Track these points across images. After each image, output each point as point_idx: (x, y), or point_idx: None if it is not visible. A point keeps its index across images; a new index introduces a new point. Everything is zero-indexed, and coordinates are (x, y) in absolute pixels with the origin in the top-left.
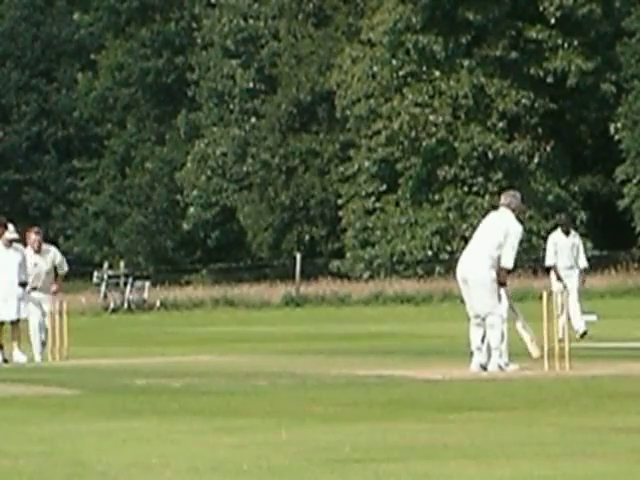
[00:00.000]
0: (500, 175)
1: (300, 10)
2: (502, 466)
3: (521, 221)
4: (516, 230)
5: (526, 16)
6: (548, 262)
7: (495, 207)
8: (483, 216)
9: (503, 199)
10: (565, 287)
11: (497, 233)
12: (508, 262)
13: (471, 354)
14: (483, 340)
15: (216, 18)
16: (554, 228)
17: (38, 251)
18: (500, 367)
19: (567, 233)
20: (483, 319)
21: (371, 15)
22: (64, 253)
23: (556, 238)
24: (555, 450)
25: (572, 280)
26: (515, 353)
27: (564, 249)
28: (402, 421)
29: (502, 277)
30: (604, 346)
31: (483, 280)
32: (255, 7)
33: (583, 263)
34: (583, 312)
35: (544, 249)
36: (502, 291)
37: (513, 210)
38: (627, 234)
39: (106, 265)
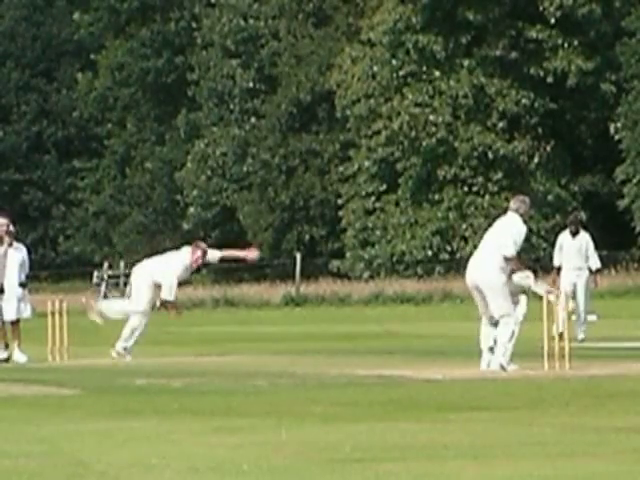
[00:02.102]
0: (500, 175)
1: (300, 10)
2: (502, 466)
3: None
4: (520, 228)
5: (526, 16)
6: (554, 263)
7: (505, 210)
8: (486, 217)
9: (512, 204)
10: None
11: (500, 235)
12: (507, 250)
13: (479, 353)
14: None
15: (216, 18)
16: (564, 227)
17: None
18: (502, 366)
19: (575, 234)
20: (496, 322)
21: (371, 15)
22: (64, 253)
23: (562, 239)
24: (555, 450)
25: (581, 280)
26: (516, 353)
27: (570, 250)
28: (402, 421)
29: (515, 265)
30: (604, 346)
31: (495, 285)
32: (255, 7)
33: (594, 264)
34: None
35: (544, 249)
36: (523, 298)
37: (521, 215)
38: (627, 234)
39: (106, 265)
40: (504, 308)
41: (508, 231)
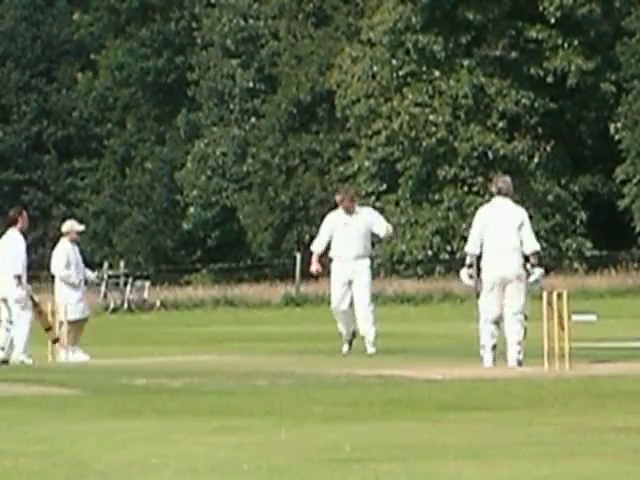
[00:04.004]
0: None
1: (300, 10)
2: (502, 466)
3: None
4: (526, 215)
5: (526, 16)
6: None
7: (498, 192)
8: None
9: (505, 187)
10: None
11: (517, 228)
12: (536, 245)
13: (479, 353)
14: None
15: (216, 18)
16: None
17: (350, 212)
18: (519, 363)
19: None
20: (497, 322)
21: (371, 15)
22: None
23: None
24: (555, 450)
25: None
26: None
27: None
28: (402, 421)
29: (538, 259)
30: (604, 346)
31: (520, 278)
32: (255, 7)
33: None
34: None
35: (544, 249)
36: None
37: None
38: (627, 234)
39: (106, 265)
40: (523, 304)
41: (526, 225)
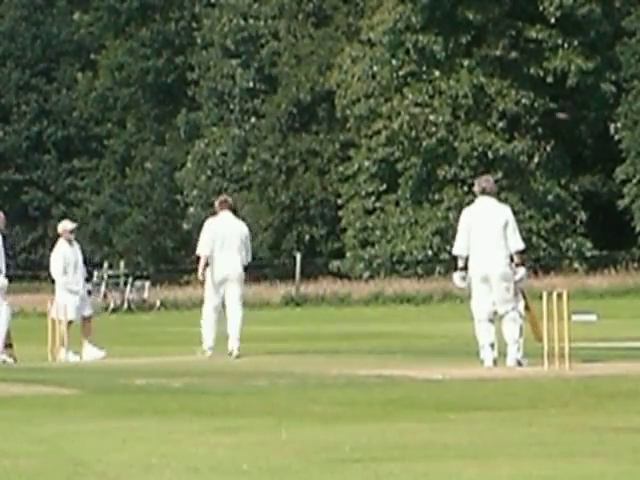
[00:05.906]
0: (500, 175)
1: (300, 10)
2: (502, 466)
3: None
4: (511, 213)
5: (526, 16)
6: None
7: (482, 191)
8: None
9: (489, 187)
10: None
11: (502, 227)
12: (520, 243)
13: (477, 352)
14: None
15: (216, 18)
16: None
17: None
18: (519, 362)
19: None
20: (491, 319)
21: (371, 15)
22: None
23: None
24: (555, 450)
25: None
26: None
27: None
28: (402, 421)
29: (520, 259)
30: (604, 346)
31: (506, 276)
32: (255, 7)
33: None
34: None
35: (544, 249)
36: (519, 292)
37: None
38: (627, 234)
39: (106, 265)
40: (512, 301)
41: (511, 224)
